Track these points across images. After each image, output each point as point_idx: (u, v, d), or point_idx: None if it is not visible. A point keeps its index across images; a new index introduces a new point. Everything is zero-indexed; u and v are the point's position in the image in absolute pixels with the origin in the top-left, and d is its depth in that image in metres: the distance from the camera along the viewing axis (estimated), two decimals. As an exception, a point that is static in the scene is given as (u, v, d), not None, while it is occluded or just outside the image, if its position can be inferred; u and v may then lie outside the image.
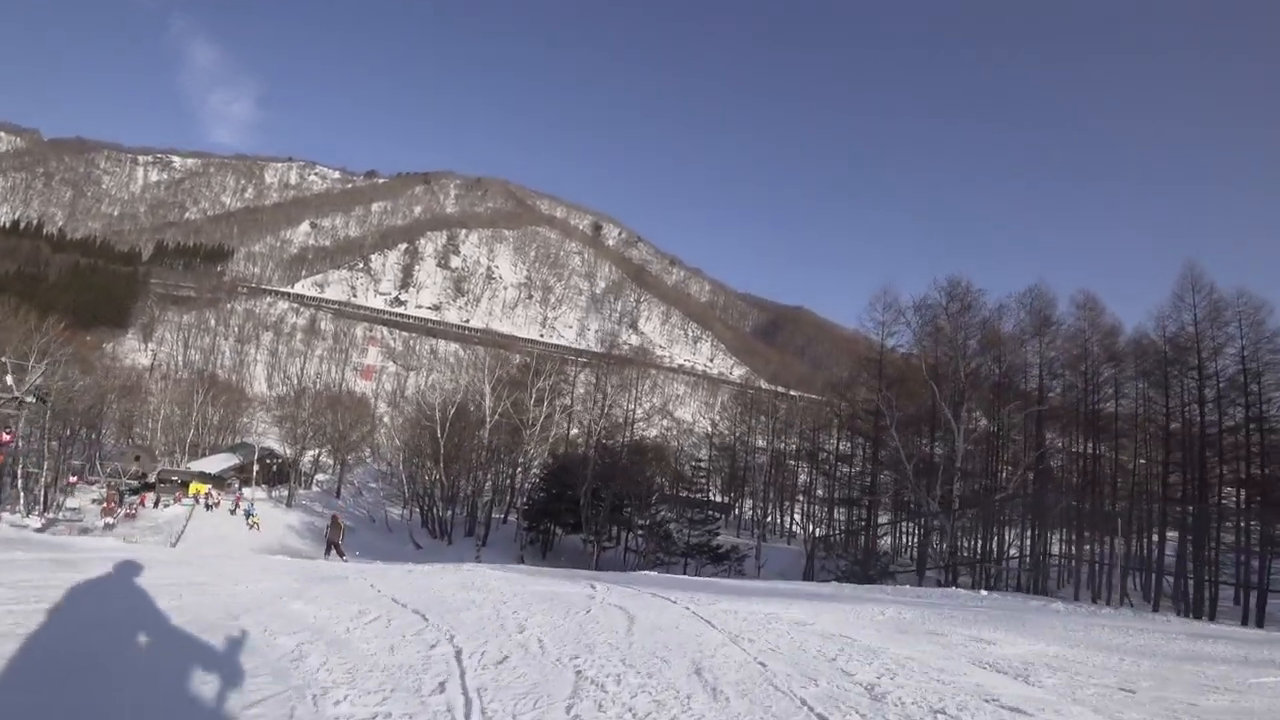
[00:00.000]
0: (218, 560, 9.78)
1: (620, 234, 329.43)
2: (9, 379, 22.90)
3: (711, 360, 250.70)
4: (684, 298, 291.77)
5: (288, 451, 66.10)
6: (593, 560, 37.43)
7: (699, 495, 45.61)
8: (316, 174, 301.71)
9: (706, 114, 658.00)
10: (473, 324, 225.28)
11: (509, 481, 48.72)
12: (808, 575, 34.37)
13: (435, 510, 47.11)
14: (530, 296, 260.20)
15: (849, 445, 49.36)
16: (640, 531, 40.44)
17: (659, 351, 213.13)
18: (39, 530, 32.61)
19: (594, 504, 39.44)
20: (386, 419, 73.21)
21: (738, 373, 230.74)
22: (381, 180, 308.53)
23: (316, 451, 68.08)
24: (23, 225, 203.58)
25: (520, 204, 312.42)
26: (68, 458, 53.69)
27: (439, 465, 45.24)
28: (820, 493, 50.69)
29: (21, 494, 42.10)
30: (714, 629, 6.28)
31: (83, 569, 6.65)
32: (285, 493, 58.06)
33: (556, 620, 6.41)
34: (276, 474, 66.20)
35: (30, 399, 22.78)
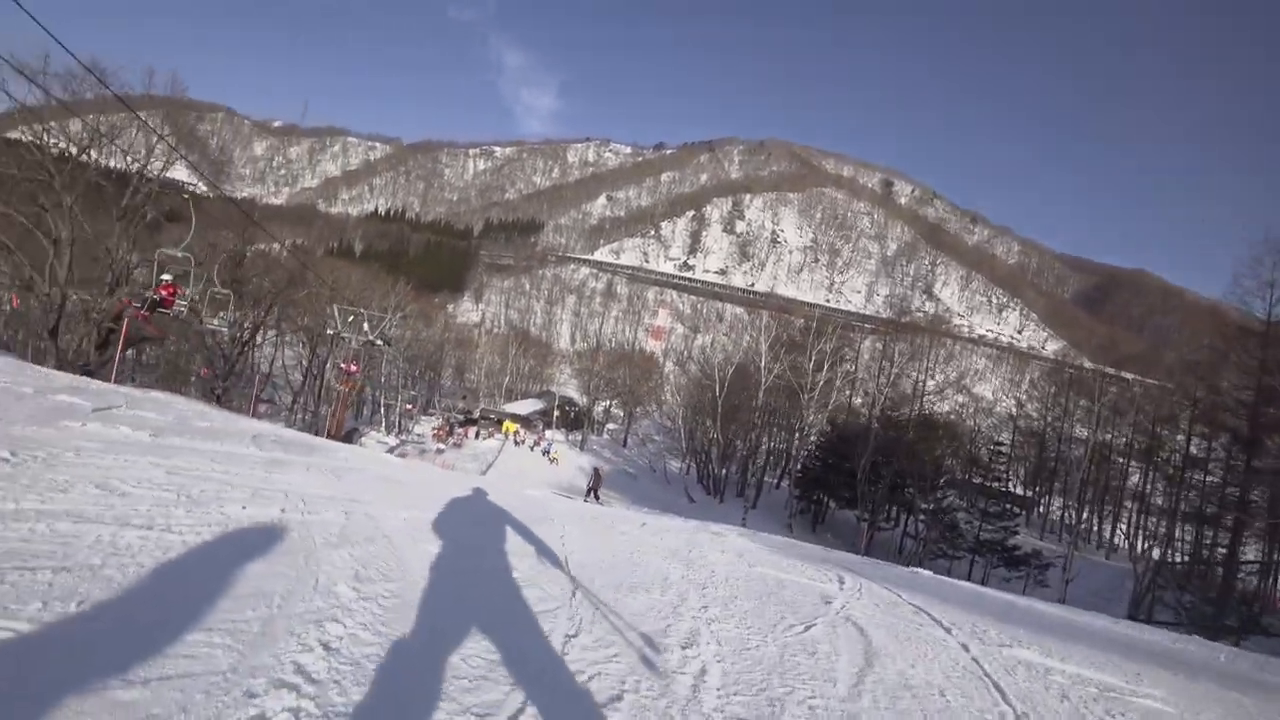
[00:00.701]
0: (481, 485, 10.20)
1: (913, 191, 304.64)
2: (365, 325, 27.85)
3: (1020, 332, 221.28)
4: (987, 260, 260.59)
5: (583, 400, 73.10)
6: (864, 541, 35.01)
7: (996, 485, 39.90)
8: (611, 151, 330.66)
9: (1010, 49, 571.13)
10: (757, 288, 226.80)
11: (784, 446, 47.88)
12: (1135, 606, 28.13)
13: (710, 467, 48.33)
14: (816, 260, 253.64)
15: (1203, 446, 38.66)
16: (922, 516, 36.77)
17: (957, 320, 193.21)
18: (390, 450, 40.08)
19: (872, 479, 36.73)
20: (672, 377, 77.02)
21: (1052, 347, 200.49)
22: (669, 151, 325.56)
23: (608, 402, 74.36)
24: (391, 213, 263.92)
25: (804, 165, 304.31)
26: (415, 392, 66.29)
27: (716, 423, 46.19)
28: (1159, 502, 40.85)
29: (384, 418, 52.59)
30: (1011, 715, 3.69)
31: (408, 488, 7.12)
32: (579, 437, 64.09)
33: (754, 637, 4.33)
34: (573, 420, 73.45)
35: (378, 341, 27.83)
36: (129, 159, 22.78)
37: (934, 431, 40.56)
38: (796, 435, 44.86)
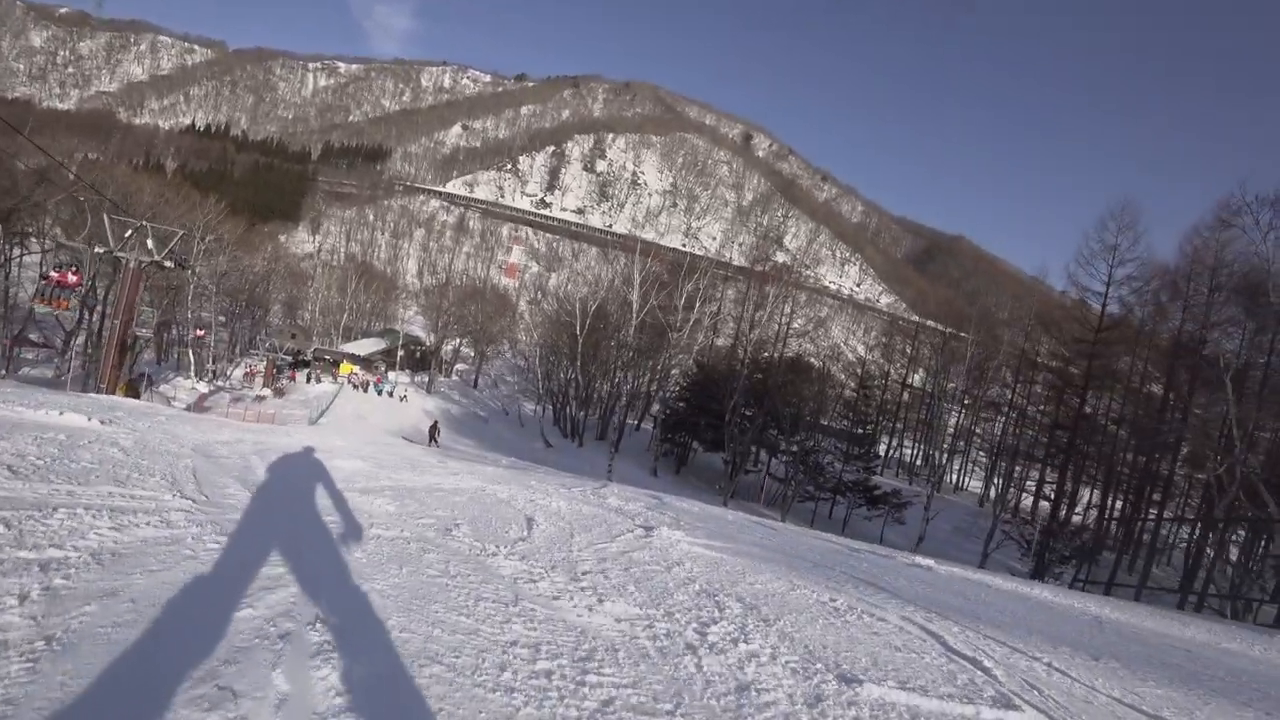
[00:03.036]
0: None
1: (771, 145, 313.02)
2: (149, 243, 21.47)
3: (859, 285, 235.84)
4: (834, 217, 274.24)
5: (431, 339, 67.23)
6: (730, 484, 33.78)
7: (862, 429, 40.14)
8: (469, 78, 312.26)
9: (864, 22, 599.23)
10: (616, 229, 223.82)
11: (646, 387, 45.80)
12: (987, 543, 28.78)
13: (568, 409, 45.44)
14: (675, 205, 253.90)
15: (1026, 395, 41.82)
16: (786, 457, 35.97)
17: (805, 271, 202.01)
18: (190, 405, 33.31)
19: (741, 422, 35.40)
20: (526, 315, 72.61)
21: (885, 300, 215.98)
22: (531, 84, 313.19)
23: (458, 342, 68.96)
24: (213, 129, 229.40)
25: (669, 110, 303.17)
26: (241, 331, 57.61)
27: (575, 364, 43.23)
28: (992, 444, 43.40)
29: (193, 361, 44.33)
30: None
31: None
32: (426, 379, 58.85)
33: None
34: (420, 360, 67.64)
35: (168, 264, 21.33)
36: None
37: (801, 374, 39.89)
38: (660, 375, 43.10)
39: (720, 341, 50.82)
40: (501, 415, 49.52)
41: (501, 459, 22.29)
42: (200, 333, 41.42)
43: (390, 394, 49.47)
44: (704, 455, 41.85)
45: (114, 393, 19.41)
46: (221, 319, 53.57)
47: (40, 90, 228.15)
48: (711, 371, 40.37)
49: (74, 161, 56.45)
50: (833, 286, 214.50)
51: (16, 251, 35.60)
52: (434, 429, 31.90)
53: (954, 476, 47.74)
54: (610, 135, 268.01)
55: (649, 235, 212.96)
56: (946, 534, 31.07)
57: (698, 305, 41.17)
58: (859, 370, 57.47)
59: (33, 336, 38.33)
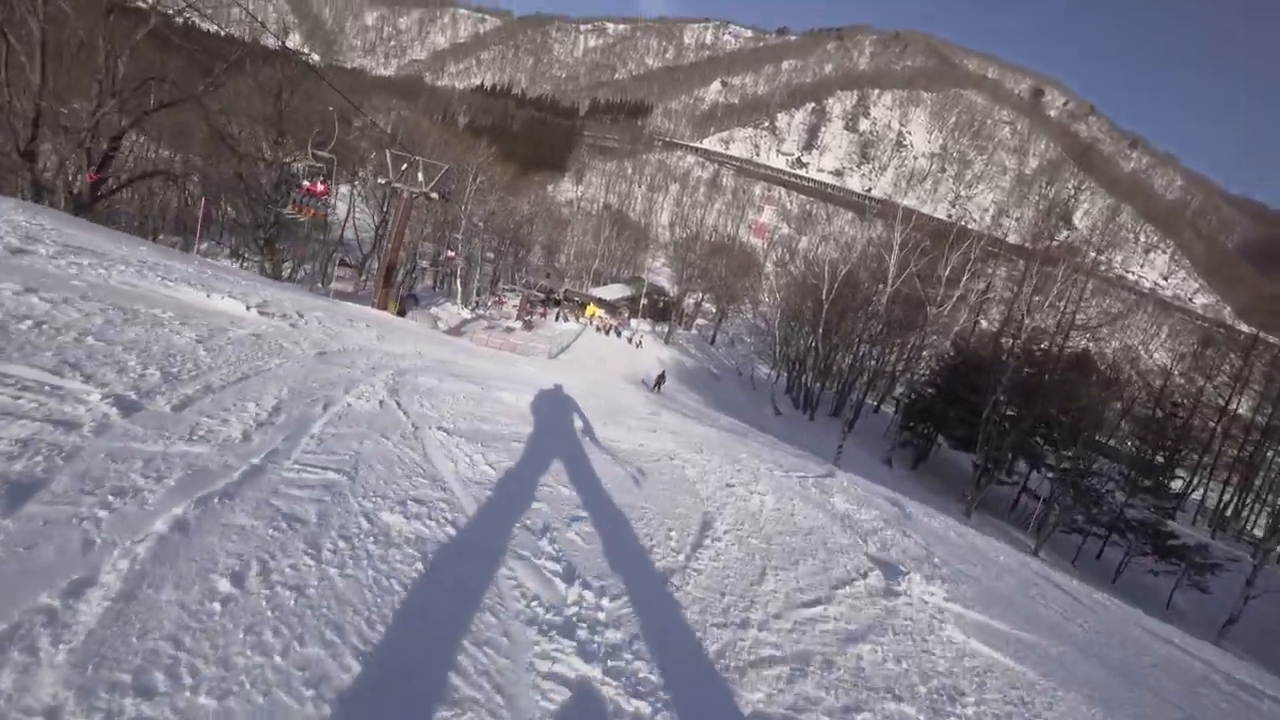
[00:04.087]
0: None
1: (1066, 103, 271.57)
2: (420, 175, 23.81)
3: (1166, 278, 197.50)
4: (1141, 191, 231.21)
5: (674, 291, 68.45)
6: (977, 493, 29.71)
7: (1158, 457, 33.02)
8: (730, 33, 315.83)
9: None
10: (875, 193, 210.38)
11: (891, 366, 42.20)
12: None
13: (804, 378, 43.52)
14: (943, 170, 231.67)
15: None
16: (1052, 474, 30.66)
17: (1097, 255, 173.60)
18: (451, 328, 36.90)
19: (1000, 422, 30.90)
20: (771, 277, 70.82)
21: (1201, 300, 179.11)
22: (793, 37, 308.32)
23: (700, 296, 69.54)
24: (497, 88, 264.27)
25: (943, 62, 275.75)
26: (505, 268, 63.48)
27: (817, 331, 41.08)
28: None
29: (460, 289, 49.67)
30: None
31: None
32: (665, 329, 60.04)
33: None
34: (661, 310, 69.28)
35: (434, 195, 23.36)
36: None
37: (1085, 377, 33.68)
38: (909, 354, 39.17)
39: (984, 325, 45.11)
40: (734, 375, 49.05)
41: (722, 418, 21.18)
42: (450, 254, 45.30)
43: (630, 340, 51.07)
44: (948, 452, 37.69)
45: (384, 309, 21.56)
46: (490, 254, 59.42)
47: (370, 61, 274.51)
48: (971, 357, 35.82)
49: (390, 120, 65.49)
50: (1131, 277, 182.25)
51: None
52: (660, 377, 33.26)
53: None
54: (875, 91, 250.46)
55: (910, 201, 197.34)
56: (1271, 622, 24.08)
57: (964, 280, 36.35)
58: (1160, 383, 47.65)
59: (346, 259, 45.10)
